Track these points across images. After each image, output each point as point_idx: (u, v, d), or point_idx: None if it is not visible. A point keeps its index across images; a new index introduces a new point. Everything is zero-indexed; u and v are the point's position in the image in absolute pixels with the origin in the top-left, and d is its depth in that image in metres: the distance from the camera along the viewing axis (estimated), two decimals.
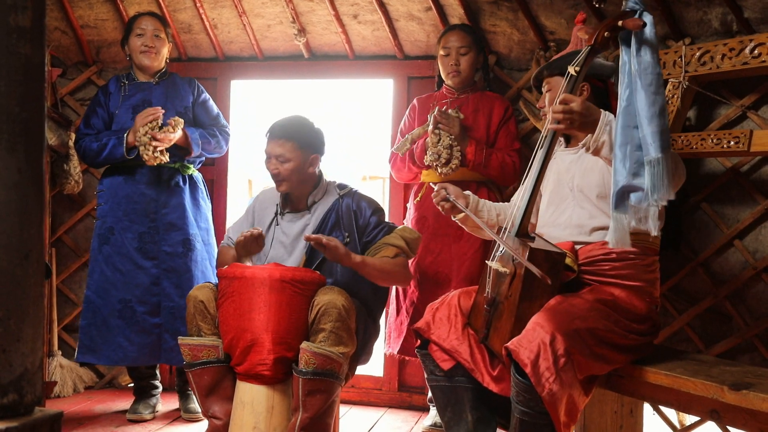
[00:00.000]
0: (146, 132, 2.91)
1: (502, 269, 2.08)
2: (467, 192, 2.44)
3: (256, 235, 2.43)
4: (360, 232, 2.54)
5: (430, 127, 2.83)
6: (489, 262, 2.15)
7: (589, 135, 2.01)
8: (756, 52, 2.48)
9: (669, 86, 2.70)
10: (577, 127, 2.01)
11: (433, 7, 3.17)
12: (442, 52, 2.97)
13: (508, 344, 1.95)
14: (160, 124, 2.93)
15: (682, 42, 2.78)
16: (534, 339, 1.91)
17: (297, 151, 2.51)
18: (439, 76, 3.06)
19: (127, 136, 2.96)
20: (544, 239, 2.17)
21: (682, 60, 2.66)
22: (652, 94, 1.94)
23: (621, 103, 2.00)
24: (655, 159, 1.90)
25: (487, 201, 2.50)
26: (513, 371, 1.97)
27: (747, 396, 1.79)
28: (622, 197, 1.96)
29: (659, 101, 1.94)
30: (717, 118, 2.78)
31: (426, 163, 2.86)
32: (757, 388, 1.81)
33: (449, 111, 2.85)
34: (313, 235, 2.35)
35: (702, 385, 1.91)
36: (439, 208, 2.37)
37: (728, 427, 2.47)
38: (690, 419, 2.80)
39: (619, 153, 1.96)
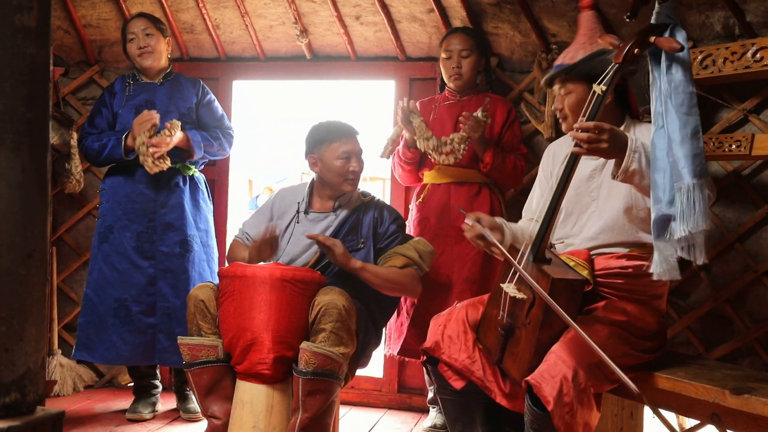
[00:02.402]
0: (143, 142, 2.90)
1: (519, 295, 1.97)
2: (499, 219, 2.30)
3: (272, 235, 2.46)
4: (377, 239, 2.56)
5: (401, 118, 2.86)
6: (504, 286, 2.04)
7: (617, 162, 1.89)
8: (758, 56, 2.48)
9: None
10: (602, 154, 1.90)
11: (435, 8, 3.17)
12: (444, 55, 2.97)
13: (529, 379, 1.89)
14: (157, 130, 2.93)
15: None
16: (556, 374, 1.86)
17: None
18: (442, 78, 3.06)
19: (126, 137, 2.96)
20: (559, 258, 2.08)
21: None
22: (684, 115, 1.84)
23: (654, 125, 1.91)
24: (687, 185, 1.81)
25: (519, 226, 2.36)
26: (528, 402, 1.93)
27: (748, 400, 1.79)
28: (662, 226, 1.85)
29: (692, 122, 1.85)
30: (719, 121, 2.78)
31: (425, 149, 2.86)
32: (758, 393, 1.81)
33: (478, 113, 2.80)
34: (314, 234, 2.36)
35: (703, 388, 1.91)
36: (474, 244, 2.23)
37: (728, 431, 2.47)
38: (690, 422, 2.80)
39: (657, 179, 1.86)
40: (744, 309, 2.74)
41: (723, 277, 2.78)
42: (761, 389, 1.84)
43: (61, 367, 3.45)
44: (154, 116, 2.92)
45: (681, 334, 2.84)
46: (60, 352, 3.50)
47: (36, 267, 1.21)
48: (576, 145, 1.89)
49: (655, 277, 1.90)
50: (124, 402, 3.26)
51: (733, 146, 2.49)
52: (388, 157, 3.04)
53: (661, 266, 1.87)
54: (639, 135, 2.09)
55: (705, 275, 2.78)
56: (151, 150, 2.89)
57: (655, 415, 2.83)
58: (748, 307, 2.73)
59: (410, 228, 3.02)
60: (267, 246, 2.47)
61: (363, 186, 2.72)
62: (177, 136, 2.96)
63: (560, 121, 2.23)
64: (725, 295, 2.73)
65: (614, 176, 1.92)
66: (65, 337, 3.60)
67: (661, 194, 1.85)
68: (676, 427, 2.80)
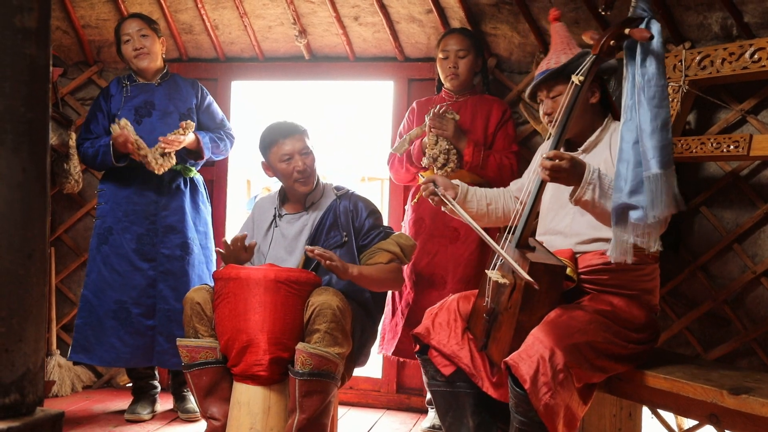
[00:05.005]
0: (157, 148, 2.90)
1: (501, 280, 2.04)
2: (456, 181, 2.41)
3: (241, 241, 2.42)
4: (356, 233, 2.56)
5: (427, 128, 2.84)
6: (489, 272, 2.11)
7: (574, 189, 1.98)
8: (756, 56, 2.49)
9: (669, 90, 2.71)
10: (563, 181, 1.98)
11: (434, 9, 3.17)
12: (440, 55, 2.98)
13: (508, 359, 1.94)
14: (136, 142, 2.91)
15: (682, 46, 2.78)
16: (533, 354, 1.90)
17: (310, 144, 2.58)
18: (439, 79, 3.07)
19: (113, 144, 2.94)
20: (544, 248, 2.13)
21: (682, 64, 2.67)
22: (654, 108, 1.90)
23: (623, 117, 1.96)
24: (654, 175, 1.87)
25: (478, 189, 2.45)
26: (510, 383, 1.96)
27: (746, 400, 1.80)
28: (621, 214, 1.93)
29: (662, 115, 1.90)
30: (717, 122, 2.78)
31: (423, 165, 2.87)
32: (756, 393, 1.81)
33: (445, 112, 2.83)
34: (315, 249, 2.33)
35: (701, 389, 1.91)
36: (429, 200, 2.34)
37: (726, 431, 2.47)
38: (688, 423, 2.80)
39: (620, 169, 1.93)
40: (742, 309, 2.74)
41: (721, 277, 2.78)
42: (759, 389, 1.85)
43: (60, 368, 3.45)
44: (126, 134, 2.90)
45: (679, 335, 2.84)
46: (58, 352, 3.50)
47: (35, 267, 1.21)
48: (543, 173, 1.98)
49: (611, 260, 1.98)
50: (123, 403, 3.26)
51: (731, 147, 2.49)
52: (401, 154, 3.02)
53: (615, 251, 1.96)
54: (617, 136, 2.13)
55: (703, 276, 2.79)
56: (162, 145, 2.90)
57: (653, 416, 2.84)
58: (747, 307, 2.74)
59: (405, 229, 3.03)
60: (241, 249, 2.45)
61: (361, 187, 2.71)
62: (189, 137, 2.97)
63: (549, 126, 2.24)
64: (723, 296, 2.73)
65: (569, 197, 2.01)
66: (63, 337, 3.59)
67: (622, 184, 1.92)
68: (675, 428, 2.80)
